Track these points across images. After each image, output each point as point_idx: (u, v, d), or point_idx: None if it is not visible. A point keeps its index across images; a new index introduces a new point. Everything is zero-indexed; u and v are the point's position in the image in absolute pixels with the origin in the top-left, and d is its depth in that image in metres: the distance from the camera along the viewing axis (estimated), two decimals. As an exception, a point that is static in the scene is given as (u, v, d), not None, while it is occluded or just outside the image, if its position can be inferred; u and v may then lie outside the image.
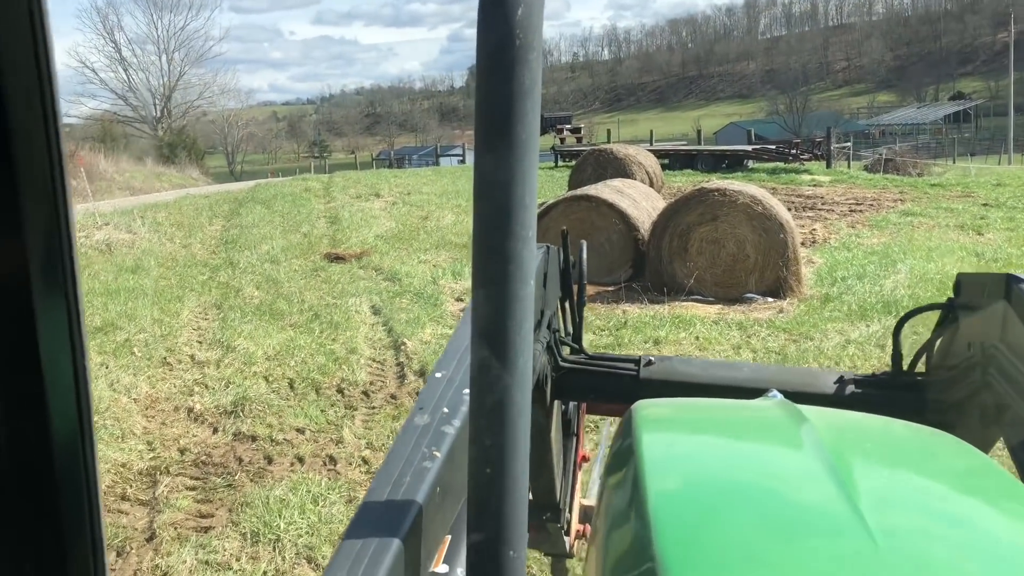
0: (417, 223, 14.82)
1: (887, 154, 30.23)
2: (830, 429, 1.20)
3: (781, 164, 27.36)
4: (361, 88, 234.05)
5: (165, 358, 7.20)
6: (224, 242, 12.62)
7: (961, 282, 2.10)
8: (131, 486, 5.20)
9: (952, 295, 2.10)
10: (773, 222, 9.87)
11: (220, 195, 18.52)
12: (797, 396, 1.55)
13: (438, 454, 1.16)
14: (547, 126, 36.77)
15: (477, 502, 0.80)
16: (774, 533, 0.93)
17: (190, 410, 6.31)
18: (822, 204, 18.48)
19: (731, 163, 28.02)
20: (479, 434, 0.77)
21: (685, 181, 21.78)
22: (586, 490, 3.07)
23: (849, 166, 31.67)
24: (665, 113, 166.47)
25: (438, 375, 1.42)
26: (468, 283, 5.36)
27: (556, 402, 2.29)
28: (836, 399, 2.09)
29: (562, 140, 34.70)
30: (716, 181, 12.18)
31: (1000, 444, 1.84)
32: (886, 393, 2.12)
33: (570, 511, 2.64)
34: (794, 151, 26.96)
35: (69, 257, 0.55)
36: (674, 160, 27.65)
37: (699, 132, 35.57)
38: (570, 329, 2.39)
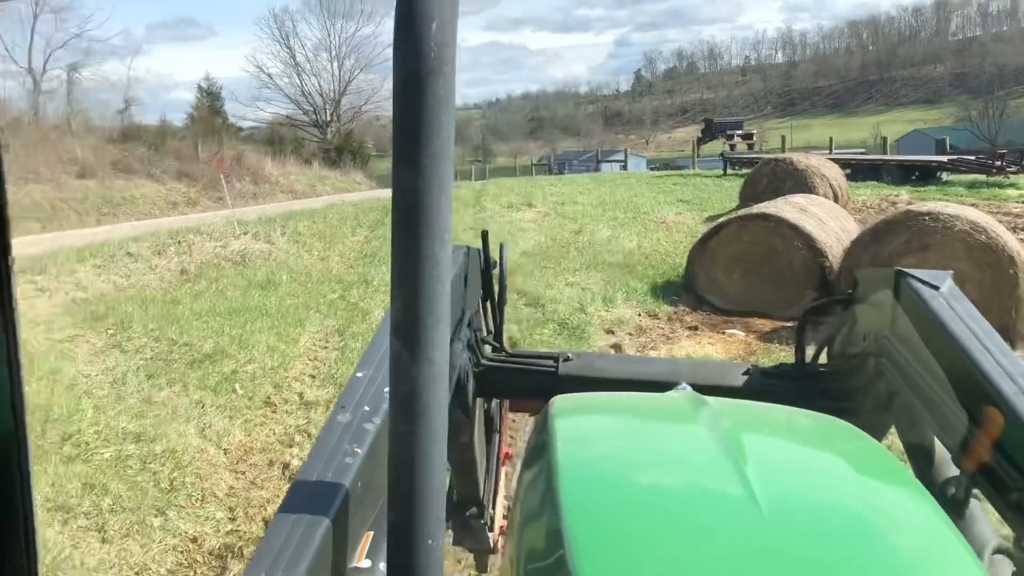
0: (568, 238, 13.65)
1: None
2: (731, 417, 1.31)
3: (980, 177, 24.29)
4: (527, 93, 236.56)
5: (270, 397, 6.36)
6: (363, 255, 11.87)
7: (858, 279, 2.23)
8: (194, 572, 4.29)
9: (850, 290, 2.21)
10: (1000, 254, 8.04)
11: (371, 202, 18.00)
12: (707, 388, 1.65)
13: (359, 451, 1.19)
14: (717, 131, 34.87)
15: (396, 492, 0.81)
16: (674, 515, 1.02)
17: (286, 466, 5.40)
18: (1037, 224, 15.88)
19: (922, 175, 25.20)
20: (397, 427, 0.78)
21: (870, 194, 19.50)
22: (510, 486, 2.98)
23: (1065, 180, 28.00)
24: (841, 119, 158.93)
25: (359, 374, 1.43)
26: (621, 312, 5.72)
27: (478, 400, 2.26)
28: (744, 390, 2.15)
29: (732, 147, 32.64)
30: (927, 203, 10.25)
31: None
32: (790, 384, 2.19)
33: (493, 507, 2.65)
34: (999, 162, 23.82)
35: (5, 267, 0.57)
36: (856, 171, 25.10)
37: (885, 141, 32.41)
38: (492, 328, 2.37)
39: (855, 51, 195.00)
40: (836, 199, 15.41)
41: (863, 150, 35.87)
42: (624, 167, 38.85)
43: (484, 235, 2.31)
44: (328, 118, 53.46)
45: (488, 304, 2.37)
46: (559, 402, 1.42)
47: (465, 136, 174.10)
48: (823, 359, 2.35)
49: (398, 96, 0.73)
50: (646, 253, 12.44)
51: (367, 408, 1.33)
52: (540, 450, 1.24)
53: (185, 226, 12.81)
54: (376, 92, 54.82)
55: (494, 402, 2.62)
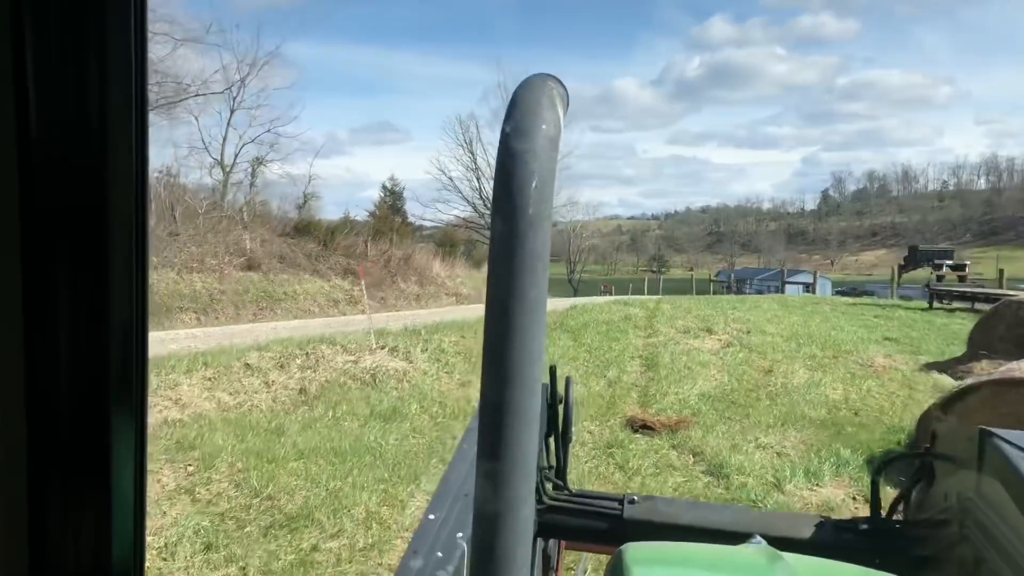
0: (757, 379, 11.45)
1: None
2: None
3: None
4: (707, 207, 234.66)
5: (346, 599, 4.67)
6: (510, 384, 10.22)
7: (937, 432, 2.14)
8: None
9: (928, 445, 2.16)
10: None
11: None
12: (779, 541, 1.69)
13: None
14: (922, 259, 31.56)
15: None
16: None
17: None
18: None
19: None
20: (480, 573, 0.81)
21: None
22: None
23: None
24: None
25: (431, 517, 1.44)
26: (830, 493, 5.65)
27: (538, 539, 2.27)
28: (816, 544, 2.07)
29: (940, 278, 29.19)
30: None
31: None
32: (865, 540, 2.10)
33: None
34: None
35: (141, 366, 0.62)
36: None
37: None
38: (555, 464, 2.33)
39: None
40: (1099, 355, 12.41)
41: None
42: (811, 290, 35.87)
43: (552, 370, 2.19)
44: (502, 223, 53.47)
45: (552, 440, 2.25)
46: (632, 550, 1.38)
47: (641, 246, 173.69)
48: (900, 515, 2.20)
49: (496, 251, 0.78)
50: (855, 408, 10.08)
51: (440, 554, 1.29)
52: None
53: (323, 333, 11.70)
54: (553, 199, 54.78)
55: (551, 540, 2.45)
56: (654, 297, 25.51)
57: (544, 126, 0.79)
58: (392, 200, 53.03)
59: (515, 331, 0.75)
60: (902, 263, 33.53)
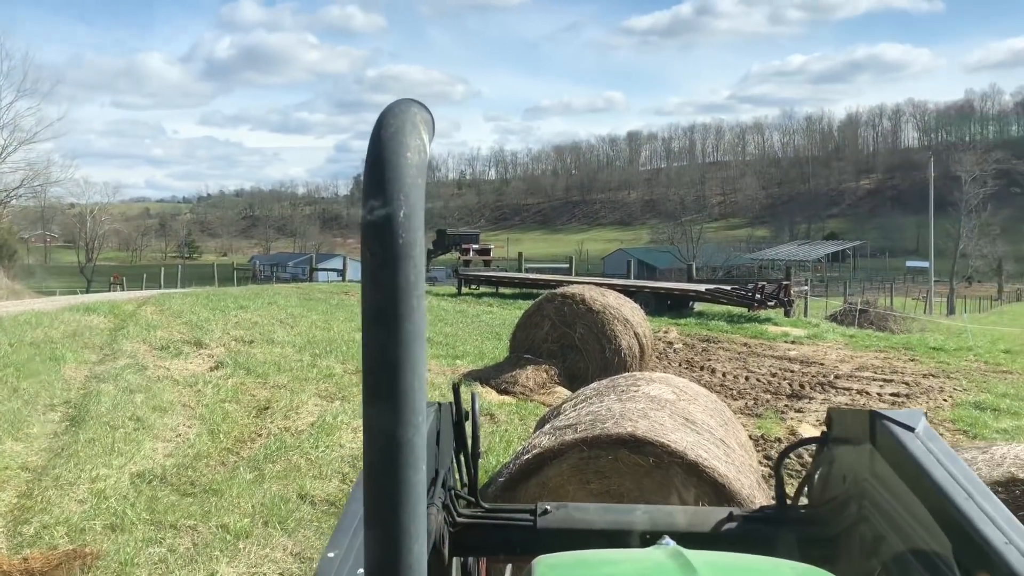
0: (244, 426, 7.76)
1: (861, 304, 25.29)
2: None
3: (731, 308, 22.02)
4: (241, 190, 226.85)
5: None
6: None
7: (832, 417, 2.14)
8: None
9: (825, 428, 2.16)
10: None
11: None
12: (691, 537, 1.75)
13: None
14: (451, 244, 30.90)
15: None
16: None
17: None
18: (835, 376, 12.55)
19: (675, 304, 22.60)
20: None
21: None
22: None
23: (806, 314, 26.86)
24: (548, 235, 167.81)
25: (331, 555, 1.39)
26: None
27: (455, 558, 2.24)
28: (726, 537, 2.11)
29: (467, 262, 28.62)
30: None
31: None
32: (772, 528, 2.15)
33: None
34: (758, 295, 21.37)
35: None
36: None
37: (629, 264, 29.69)
38: (466, 481, 2.32)
39: (560, 173, 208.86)
40: (641, 354, 11.03)
41: (566, 265, 34.25)
42: (342, 276, 33.56)
43: (456, 388, 2.27)
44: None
45: (462, 457, 2.26)
46: (542, 564, 1.41)
47: (171, 230, 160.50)
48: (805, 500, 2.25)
49: (368, 283, 0.75)
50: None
51: None
52: None
53: None
54: (36, 175, 45.54)
55: (471, 558, 2.38)
56: (147, 294, 20.51)
57: (409, 154, 0.76)
58: None
59: (394, 366, 0.71)
60: (431, 247, 32.82)
